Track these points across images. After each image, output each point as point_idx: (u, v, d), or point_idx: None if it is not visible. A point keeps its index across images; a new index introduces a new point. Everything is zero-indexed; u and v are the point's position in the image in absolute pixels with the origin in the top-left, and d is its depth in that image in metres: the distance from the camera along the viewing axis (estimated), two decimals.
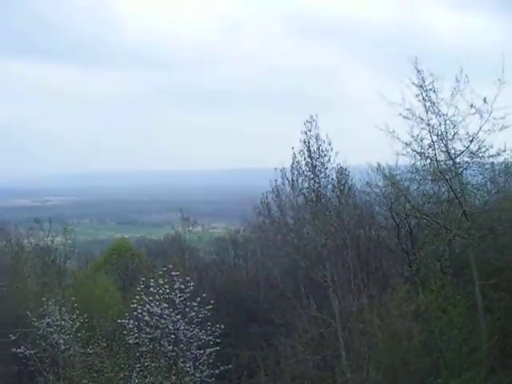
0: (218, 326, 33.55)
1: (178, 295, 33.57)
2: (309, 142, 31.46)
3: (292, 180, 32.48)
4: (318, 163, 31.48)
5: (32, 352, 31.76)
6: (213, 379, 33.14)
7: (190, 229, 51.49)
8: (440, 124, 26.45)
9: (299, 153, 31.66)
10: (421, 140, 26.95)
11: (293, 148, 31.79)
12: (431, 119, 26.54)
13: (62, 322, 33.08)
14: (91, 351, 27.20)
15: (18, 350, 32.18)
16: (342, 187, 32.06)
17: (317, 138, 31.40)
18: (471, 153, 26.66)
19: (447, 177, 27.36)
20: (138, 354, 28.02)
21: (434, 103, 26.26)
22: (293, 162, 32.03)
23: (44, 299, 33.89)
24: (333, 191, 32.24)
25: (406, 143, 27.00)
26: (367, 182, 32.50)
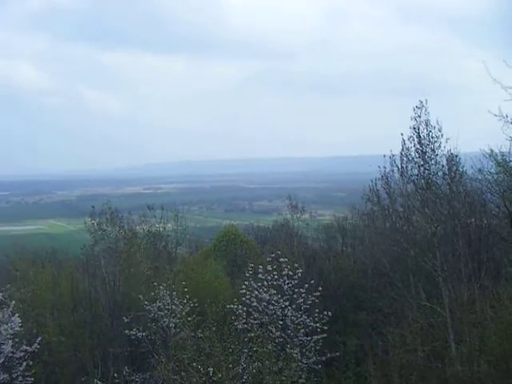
0: (325, 313, 33.54)
1: (286, 282, 33.79)
2: (418, 128, 30.73)
3: (401, 167, 31.86)
4: (428, 150, 30.72)
5: (143, 334, 32.78)
6: (319, 366, 33.18)
7: (298, 216, 51.43)
8: None
9: (409, 139, 31.00)
10: None
11: (402, 134, 31.17)
12: None
13: (173, 307, 33.90)
14: (201, 335, 27.73)
15: (131, 332, 33.29)
16: (452, 174, 31.14)
17: (427, 123, 30.64)
18: None
19: None
20: (246, 339, 28.36)
21: None
22: (402, 149, 31.39)
23: (155, 284, 34.80)
24: (443, 178, 31.37)
25: None
26: (479, 169, 31.50)
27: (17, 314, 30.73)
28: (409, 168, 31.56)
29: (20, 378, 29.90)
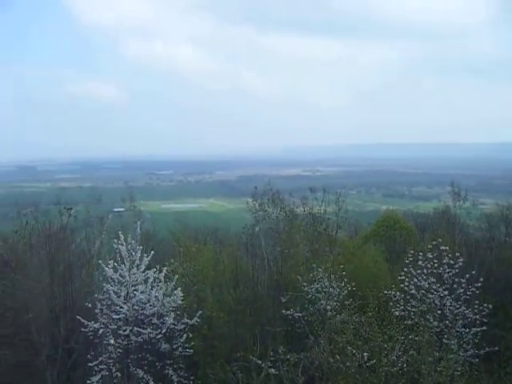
0: (485, 305, 32.39)
1: (447, 270, 32.87)
2: None
3: None
4: None
5: (300, 315, 33.07)
6: (477, 360, 32.04)
7: (461, 203, 49.87)
8: None
9: None
10: None
11: None
12: None
13: (331, 289, 33.95)
14: (360, 320, 27.61)
15: (288, 312, 33.68)
16: None
17: None
18: None
19: None
20: (402, 327, 27.95)
21: None
22: None
23: (314, 266, 34.98)
24: None
25: None
26: None
27: (179, 288, 31.87)
28: None
29: (180, 349, 31.07)
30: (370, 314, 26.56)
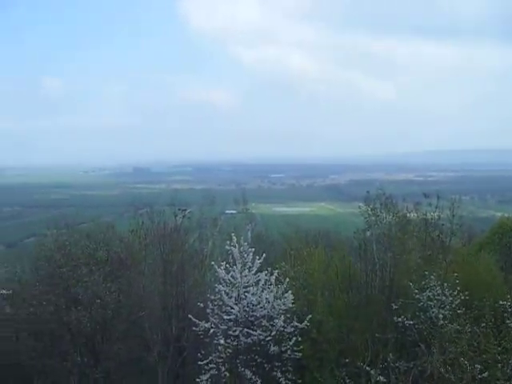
0: None
1: None
2: None
3: None
4: None
5: (411, 322, 32.47)
6: None
7: None
8: None
9: None
10: None
11: None
12: None
13: (443, 298, 33.17)
14: (475, 330, 26.87)
15: (399, 319, 33.13)
16: None
17: None
18: None
19: None
20: None
21: None
22: None
23: (426, 273, 34.27)
24: None
25: None
26: None
27: (290, 291, 32.00)
28: None
29: (289, 352, 31.11)
30: (486, 324, 25.79)
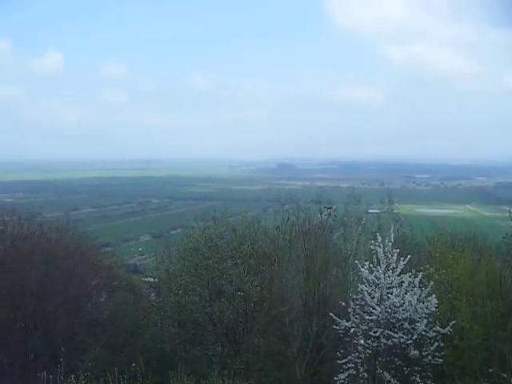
0: None
1: None
2: None
3: None
4: None
5: None
6: None
7: None
8: None
9: None
10: None
11: None
12: None
13: None
14: None
15: None
16: None
17: None
18: None
19: None
20: None
21: None
22: None
23: None
24: None
25: None
26: None
27: (434, 295, 31.34)
28: None
29: (429, 357, 30.38)
30: None
